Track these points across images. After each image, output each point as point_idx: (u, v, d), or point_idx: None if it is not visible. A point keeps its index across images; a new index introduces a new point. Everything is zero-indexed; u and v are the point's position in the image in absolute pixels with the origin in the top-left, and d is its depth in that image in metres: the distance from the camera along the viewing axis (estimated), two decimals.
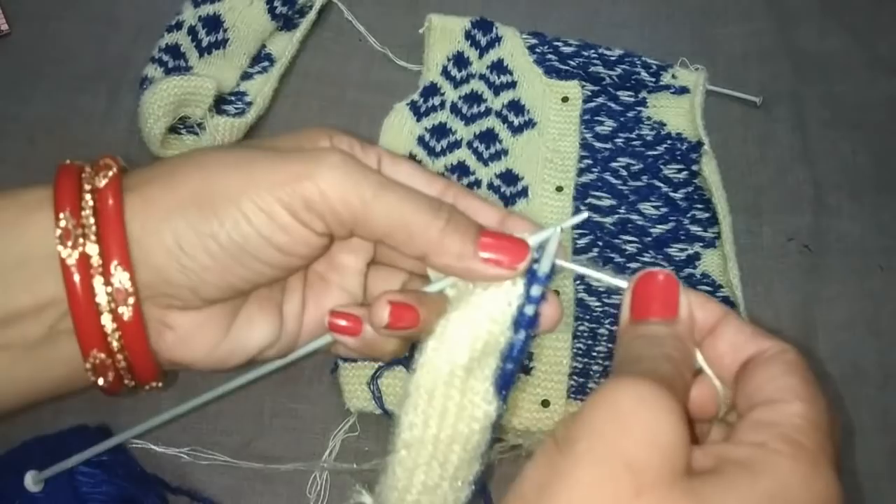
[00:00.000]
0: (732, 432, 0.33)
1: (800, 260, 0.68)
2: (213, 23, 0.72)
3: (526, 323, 0.37)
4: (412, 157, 0.69)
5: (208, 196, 0.35)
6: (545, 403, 0.60)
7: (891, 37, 0.78)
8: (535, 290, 0.37)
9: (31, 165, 0.69)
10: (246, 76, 0.73)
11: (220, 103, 0.70)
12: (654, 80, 0.74)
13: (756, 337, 0.35)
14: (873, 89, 0.76)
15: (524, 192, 0.68)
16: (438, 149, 0.70)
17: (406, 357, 0.61)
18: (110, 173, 0.37)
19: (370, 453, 0.60)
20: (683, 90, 0.73)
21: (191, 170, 0.37)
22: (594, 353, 0.63)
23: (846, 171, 0.72)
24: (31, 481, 0.47)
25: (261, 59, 0.74)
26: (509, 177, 0.69)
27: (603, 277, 0.38)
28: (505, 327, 0.36)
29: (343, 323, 0.39)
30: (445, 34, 0.74)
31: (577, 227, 0.68)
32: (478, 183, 0.68)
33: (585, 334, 0.63)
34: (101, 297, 0.35)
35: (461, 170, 0.69)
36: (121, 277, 0.35)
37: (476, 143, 0.70)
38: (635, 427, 0.29)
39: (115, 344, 0.36)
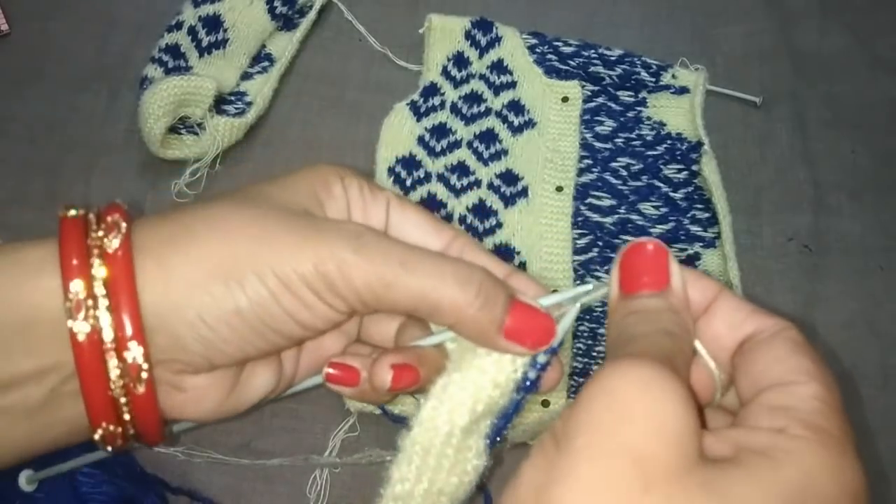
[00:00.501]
0: (743, 417, 0.30)
1: (800, 260, 0.68)
2: (213, 23, 0.72)
3: (528, 387, 0.36)
4: (412, 157, 0.69)
5: (233, 271, 0.34)
6: (545, 403, 0.60)
7: (891, 37, 0.78)
8: (542, 358, 0.36)
9: (32, 165, 0.69)
10: (246, 76, 0.73)
11: (220, 103, 0.70)
12: (654, 80, 0.74)
13: (755, 314, 0.33)
14: (873, 89, 0.76)
15: (524, 192, 0.68)
16: (438, 149, 0.70)
17: None
18: (121, 234, 0.35)
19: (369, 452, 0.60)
20: (683, 90, 0.73)
21: (212, 237, 0.35)
22: (594, 354, 0.63)
23: (846, 171, 0.72)
24: (25, 481, 0.47)
25: (261, 59, 0.74)
26: (509, 177, 0.69)
27: (602, 290, 0.36)
28: (507, 390, 0.36)
29: (341, 374, 0.39)
30: (445, 34, 0.74)
31: (577, 227, 0.68)
32: (478, 183, 0.68)
33: (585, 334, 0.63)
34: (114, 372, 0.34)
35: (461, 170, 0.69)
36: (135, 353, 0.34)
37: (476, 143, 0.70)
38: (638, 414, 0.26)
39: (126, 416, 0.35)
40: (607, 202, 0.69)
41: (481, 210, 0.67)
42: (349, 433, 0.60)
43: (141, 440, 0.37)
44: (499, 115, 0.72)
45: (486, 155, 0.70)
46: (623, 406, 0.27)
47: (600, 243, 0.67)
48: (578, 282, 0.65)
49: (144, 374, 0.34)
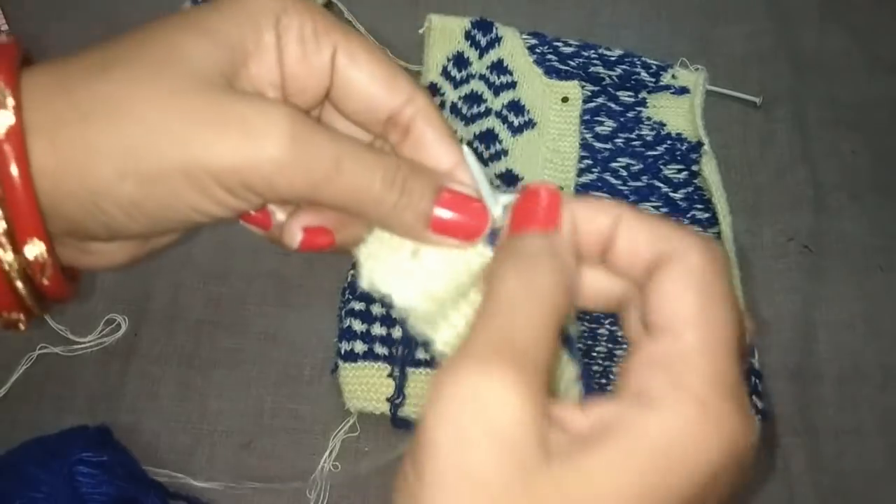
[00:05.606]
0: (624, 370, 0.29)
1: (800, 260, 0.68)
2: None
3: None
4: None
5: (135, 164, 0.31)
6: None
7: (891, 37, 0.78)
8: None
9: None
10: None
11: None
12: (654, 80, 0.74)
13: (656, 237, 0.30)
14: (873, 89, 0.76)
15: None
16: None
17: (423, 361, 0.61)
18: (7, 108, 0.30)
19: (370, 454, 0.60)
20: (683, 90, 0.73)
21: (110, 119, 0.31)
22: (594, 354, 0.63)
23: (846, 171, 0.72)
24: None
25: None
26: (509, 177, 0.69)
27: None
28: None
29: (256, 215, 0.36)
30: (445, 34, 0.74)
31: None
32: None
33: (585, 334, 0.63)
34: (11, 266, 0.31)
35: None
36: (38, 251, 0.31)
37: (476, 144, 0.70)
38: (473, 436, 0.26)
39: (30, 303, 0.33)
40: None
41: None
42: (349, 433, 0.60)
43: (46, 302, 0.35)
44: (499, 115, 0.72)
45: (486, 155, 0.70)
46: (459, 430, 0.26)
47: None
48: None
49: (49, 270, 0.32)
